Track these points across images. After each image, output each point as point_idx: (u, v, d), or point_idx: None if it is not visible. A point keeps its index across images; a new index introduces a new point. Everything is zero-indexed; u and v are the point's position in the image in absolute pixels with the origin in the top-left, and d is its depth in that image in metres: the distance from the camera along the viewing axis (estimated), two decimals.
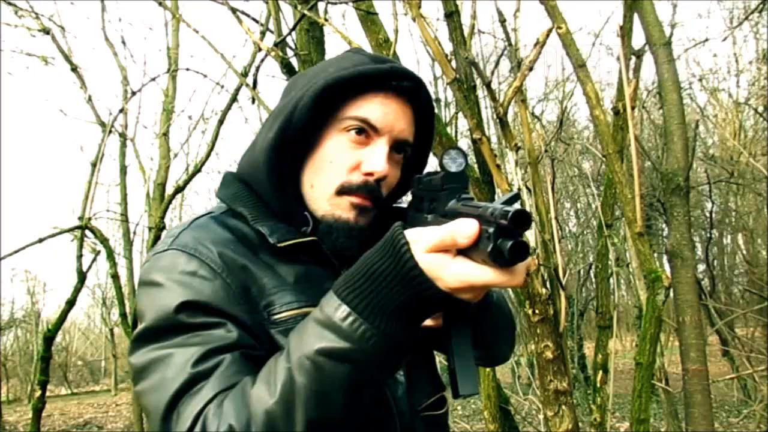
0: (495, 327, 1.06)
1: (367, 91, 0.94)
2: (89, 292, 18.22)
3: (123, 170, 7.03)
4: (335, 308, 0.72)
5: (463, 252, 0.68)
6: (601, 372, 2.24)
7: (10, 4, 3.50)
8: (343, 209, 0.96)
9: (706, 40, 8.69)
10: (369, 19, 2.11)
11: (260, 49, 2.36)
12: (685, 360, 2.82)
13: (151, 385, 0.80)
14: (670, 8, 10.90)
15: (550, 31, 1.65)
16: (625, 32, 2.19)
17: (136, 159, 6.69)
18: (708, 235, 8.49)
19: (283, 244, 0.92)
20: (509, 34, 1.96)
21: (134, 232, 7.31)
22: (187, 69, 4.60)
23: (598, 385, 2.28)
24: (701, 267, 10.33)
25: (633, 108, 2.17)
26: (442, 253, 0.68)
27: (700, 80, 9.99)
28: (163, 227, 3.20)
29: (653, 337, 2.13)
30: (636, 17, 3.18)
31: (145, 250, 8.03)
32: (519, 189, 1.69)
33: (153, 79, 4.34)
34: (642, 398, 2.08)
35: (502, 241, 0.63)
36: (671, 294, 3.10)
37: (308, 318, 0.77)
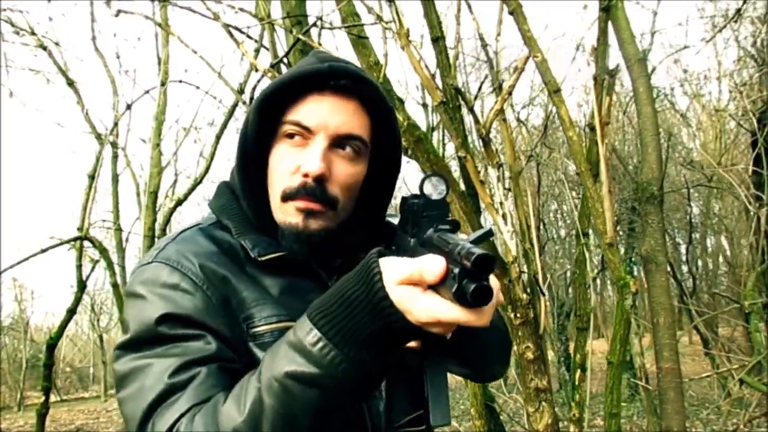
0: (483, 348, 1.05)
1: (302, 95, 0.94)
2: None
3: (115, 179, 7.14)
4: (306, 332, 0.73)
5: (434, 287, 0.68)
6: (579, 371, 2.40)
7: (12, 25, 3.60)
8: (290, 215, 0.95)
9: (686, 47, 8.95)
10: (360, 42, 2.26)
11: (257, 70, 2.49)
12: (659, 359, 3.00)
13: (130, 393, 0.83)
14: (651, 16, 11.16)
15: (527, 58, 1.81)
16: (599, 54, 2.36)
17: (128, 168, 6.81)
18: (688, 237, 8.70)
19: (264, 258, 0.94)
20: (491, 58, 2.11)
21: (127, 240, 7.39)
22: (180, 81, 4.71)
23: (577, 383, 2.44)
24: (685, 269, 10.59)
25: (607, 124, 2.34)
26: (412, 286, 0.68)
27: (682, 85, 10.22)
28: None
29: (623, 338, 2.29)
30: (612, 33, 3.37)
31: (140, 256, 8.09)
32: (501, 202, 1.80)
33: (147, 92, 4.45)
34: (614, 394, 2.25)
35: (467, 283, 0.63)
36: (646, 297, 3.27)
37: (282, 339, 0.77)
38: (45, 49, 4.06)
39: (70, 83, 4.44)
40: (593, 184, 2.03)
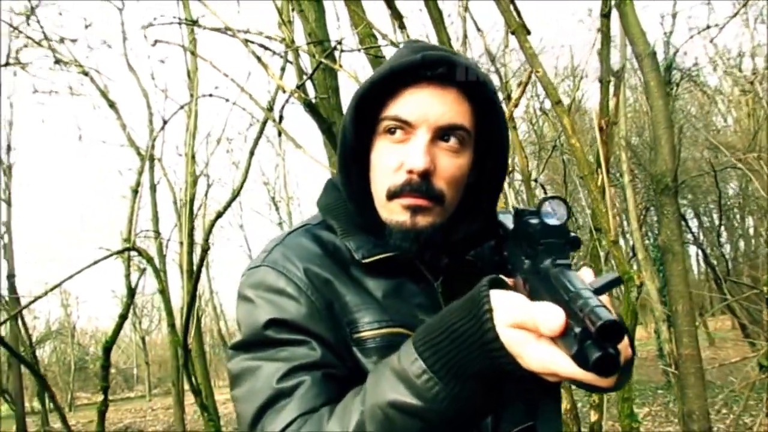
0: None
1: (399, 88, 0.90)
2: (118, 302, 18.92)
3: (153, 189, 7.48)
4: (411, 362, 0.71)
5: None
6: None
7: (54, 53, 3.88)
8: (397, 213, 0.92)
9: (709, 26, 8.84)
10: (377, 62, 2.44)
11: (284, 91, 2.70)
12: (679, 345, 3.11)
13: (242, 394, 0.86)
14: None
15: (531, 74, 1.96)
16: (603, 57, 2.49)
17: (164, 177, 7.14)
18: (719, 220, 8.64)
19: (368, 260, 0.92)
20: (499, 69, 2.26)
21: (166, 246, 7.75)
22: (210, 95, 4.97)
23: None
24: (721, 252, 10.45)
25: (615, 123, 2.47)
26: (525, 331, 0.64)
27: (713, 64, 10.07)
28: (208, 248, 3.58)
29: (631, 328, 2.41)
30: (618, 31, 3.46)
31: (179, 262, 8.43)
32: (513, 207, 1.91)
33: (181, 107, 4.71)
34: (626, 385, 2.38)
35: (590, 348, 0.57)
36: (667, 284, 3.38)
37: (386, 363, 0.76)
38: (87, 74, 4.36)
39: (111, 105, 4.75)
40: (596, 186, 2.18)
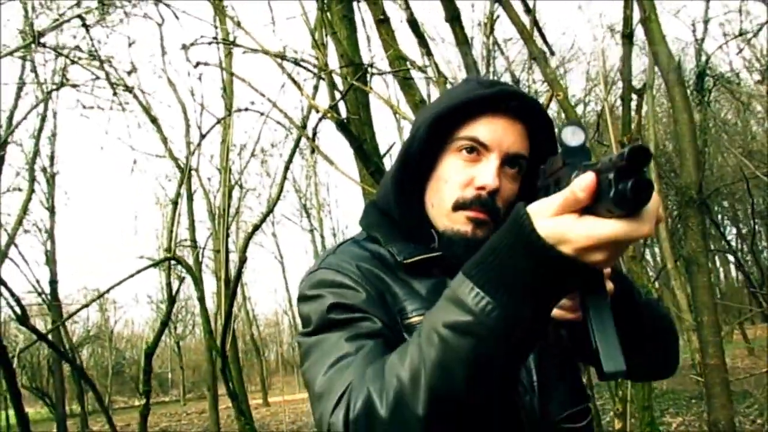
0: (646, 328, 1.02)
1: (475, 114, 1.01)
2: (153, 307, 19.43)
3: (190, 198, 7.75)
4: (460, 284, 0.76)
5: (588, 210, 0.67)
6: None
7: (104, 72, 4.13)
8: (460, 223, 1.02)
9: (741, 33, 8.72)
10: (406, 83, 2.57)
11: (317, 111, 2.85)
12: (705, 356, 3.17)
13: (311, 363, 0.95)
14: (702, 5, 10.86)
15: (551, 98, 2.06)
16: (624, 76, 2.57)
17: (200, 187, 7.40)
18: (752, 229, 8.51)
19: (408, 261, 1.02)
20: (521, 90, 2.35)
21: (202, 254, 8.00)
22: (246, 109, 5.19)
23: (619, 380, 2.65)
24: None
25: (637, 139, 2.55)
26: (566, 214, 0.68)
27: (748, 69, 9.89)
28: (245, 259, 3.77)
29: None
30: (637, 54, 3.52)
31: (215, 269, 8.69)
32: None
33: (219, 122, 4.93)
34: (644, 389, 2.44)
35: (624, 182, 0.61)
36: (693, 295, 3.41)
37: (441, 297, 0.81)
38: (131, 91, 4.61)
39: (153, 120, 5.00)
40: None
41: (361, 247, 1.08)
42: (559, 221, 0.68)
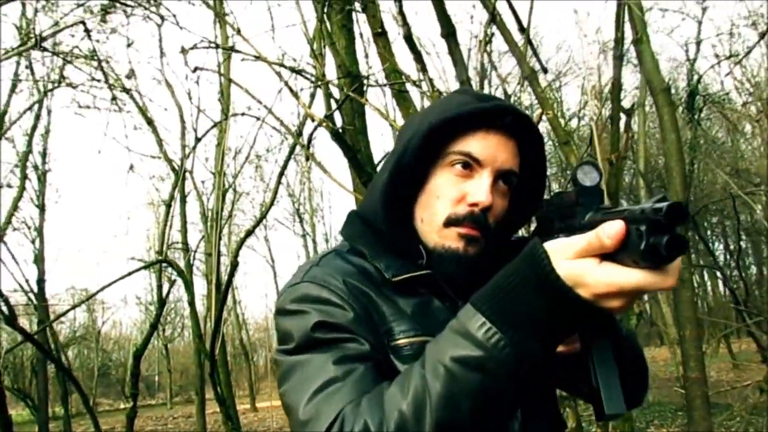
0: (627, 364, 0.99)
1: (469, 129, 0.98)
2: (142, 308, 19.32)
3: (183, 200, 7.76)
4: (470, 318, 0.75)
5: (610, 257, 0.67)
6: None
7: (102, 71, 4.17)
8: (451, 240, 0.99)
9: (731, 55, 8.90)
10: (401, 96, 2.63)
11: (313, 120, 2.91)
12: (686, 369, 3.24)
13: (292, 385, 0.89)
14: (695, 26, 11.02)
15: (540, 116, 2.13)
16: (614, 96, 2.65)
17: (194, 190, 7.42)
18: (737, 245, 8.64)
19: (398, 279, 0.98)
20: (514, 105, 2.42)
21: (194, 257, 8.01)
22: (243, 114, 5.24)
23: None
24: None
25: (624, 158, 2.63)
26: (586, 258, 0.68)
27: (737, 90, 10.08)
28: (237, 264, 3.79)
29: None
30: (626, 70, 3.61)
31: (206, 272, 8.69)
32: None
33: (215, 125, 4.97)
34: None
35: (656, 237, 0.60)
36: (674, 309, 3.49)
37: (446, 328, 0.80)
38: (128, 92, 4.65)
39: (150, 122, 5.03)
40: None
41: (345, 260, 1.03)
42: (579, 264, 0.68)
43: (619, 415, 0.76)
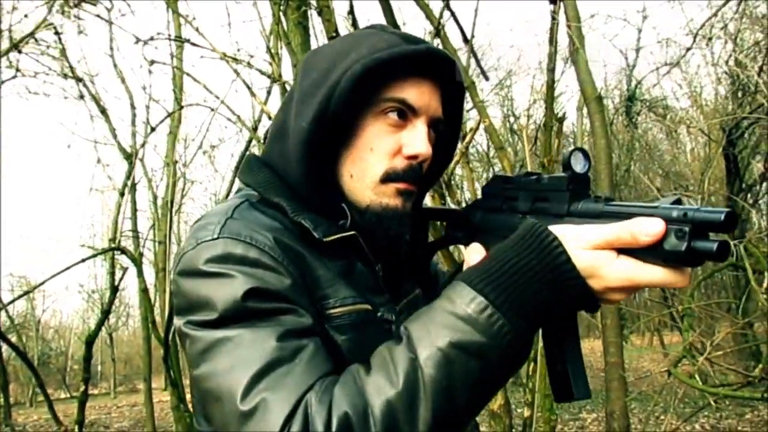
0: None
1: (403, 73, 0.89)
2: (85, 296, 18.80)
3: (133, 188, 7.70)
4: (470, 299, 0.69)
5: (628, 252, 0.65)
6: (532, 363, 2.95)
7: (64, 73, 4.15)
8: (390, 196, 0.91)
9: (666, 64, 9.46)
10: None
11: (270, 117, 3.05)
12: (607, 354, 3.57)
13: (221, 366, 0.73)
14: (635, 33, 11.58)
15: (479, 122, 2.36)
16: (547, 104, 2.91)
17: (144, 177, 7.39)
18: None
19: (329, 239, 0.86)
20: None
21: (144, 245, 7.98)
22: (197, 104, 5.30)
23: (530, 372, 2.99)
24: None
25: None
26: (606, 250, 0.66)
27: (664, 100, 10.70)
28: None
29: None
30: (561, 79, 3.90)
31: (155, 261, 8.65)
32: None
33: (169, 115, 5.01)
34: (546, 382, 2.79)
35: (702, 242, 0.61)
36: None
37: (432, 308, 0.73)
38: (81, 81, 4.63)
39: (103, 110, 5.02)
40: None
41: (264, 214, 0.87)
42: (598, 256, 0.66)
43: (583, 398, 0.76)
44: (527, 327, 0.69)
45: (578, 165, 0.77)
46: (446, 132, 0.99)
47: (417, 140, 0.90)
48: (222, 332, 0.75)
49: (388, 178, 0.90)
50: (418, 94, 0.90)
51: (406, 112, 0.90)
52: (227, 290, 0.76)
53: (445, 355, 0.68)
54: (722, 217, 0.60)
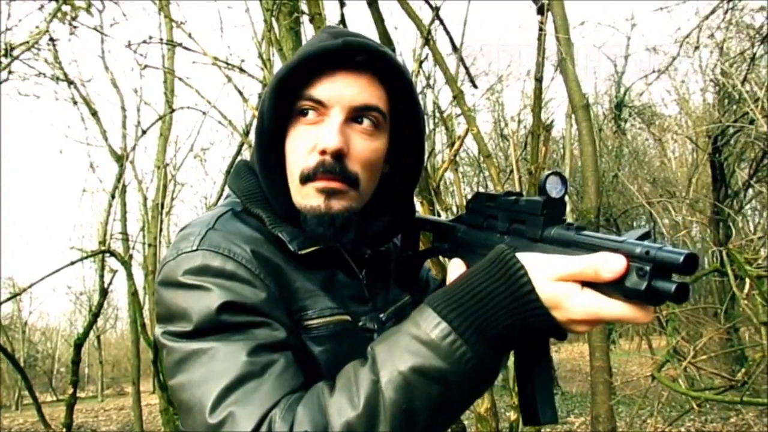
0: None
1: (319, 70, 0.88)
2: (73, 298, 18.67)
3: (123, 189, 7.69)
4: (434, 325, 0.69)
5: (594, 285, 0.65)
6: None
7: (56, 77, 4.15)
8: (311, 197, 0.88)
9: (655, 70, 9.59)
10: None
11: None
12: (592, 358, 3.62)
13: (195, 377, 0.75)
14: (625, 40, 11.74)
15: (467, 131, 2.40)
16: (534, 114, 2.97)
17: (134, 179, 7.37)
18: None
19: (304, 252, 0.87)
20: (445, 120, 2.70)
21: (133, 248, 7.97)
22: (189, 107, 5.31)
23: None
24: None
25: (544, 169, 2.95)
26: (571, 283, 0.66)
27: (651, 107, 10.85)
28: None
29: None
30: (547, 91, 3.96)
31: (144, 264, 8.63)
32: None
33: (161, 118, 5.02)
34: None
35: (662, 282, 0.61)
36: None
37: (398, 330, 0.73)
38: (72, 83, 4.63)
39: (94, 113, 5.02)
40: None
41: (245, 224, 0.89)
42: (562, 288, 0.66)
43: (550, 423, 0.77)
44: (491, 354, 0.69)
45: (554, 190, 0.77)
46: (405, 121, 0.96)
47: (324, 133, 0.87)
48: (197, 344, 0.77)
49: (305, 178, 0.89)
50: (328, 87, 0.88)
51: (317, 108, 0.89)
52: (203, 303, 0.78)
53: (406, 379, 0.69)
54: (681, 259, 0.60)
